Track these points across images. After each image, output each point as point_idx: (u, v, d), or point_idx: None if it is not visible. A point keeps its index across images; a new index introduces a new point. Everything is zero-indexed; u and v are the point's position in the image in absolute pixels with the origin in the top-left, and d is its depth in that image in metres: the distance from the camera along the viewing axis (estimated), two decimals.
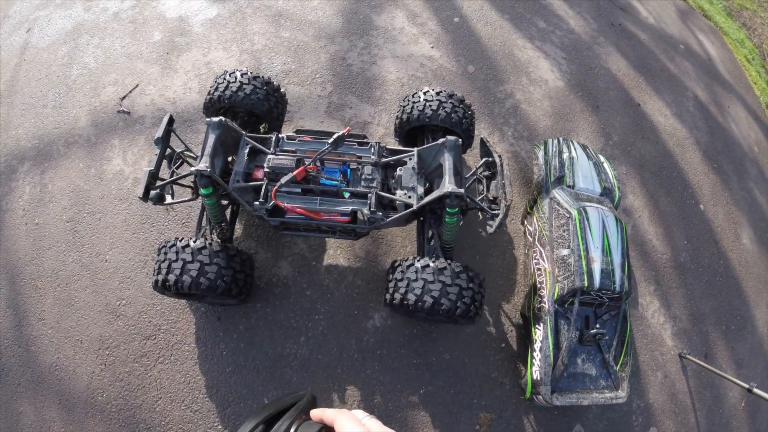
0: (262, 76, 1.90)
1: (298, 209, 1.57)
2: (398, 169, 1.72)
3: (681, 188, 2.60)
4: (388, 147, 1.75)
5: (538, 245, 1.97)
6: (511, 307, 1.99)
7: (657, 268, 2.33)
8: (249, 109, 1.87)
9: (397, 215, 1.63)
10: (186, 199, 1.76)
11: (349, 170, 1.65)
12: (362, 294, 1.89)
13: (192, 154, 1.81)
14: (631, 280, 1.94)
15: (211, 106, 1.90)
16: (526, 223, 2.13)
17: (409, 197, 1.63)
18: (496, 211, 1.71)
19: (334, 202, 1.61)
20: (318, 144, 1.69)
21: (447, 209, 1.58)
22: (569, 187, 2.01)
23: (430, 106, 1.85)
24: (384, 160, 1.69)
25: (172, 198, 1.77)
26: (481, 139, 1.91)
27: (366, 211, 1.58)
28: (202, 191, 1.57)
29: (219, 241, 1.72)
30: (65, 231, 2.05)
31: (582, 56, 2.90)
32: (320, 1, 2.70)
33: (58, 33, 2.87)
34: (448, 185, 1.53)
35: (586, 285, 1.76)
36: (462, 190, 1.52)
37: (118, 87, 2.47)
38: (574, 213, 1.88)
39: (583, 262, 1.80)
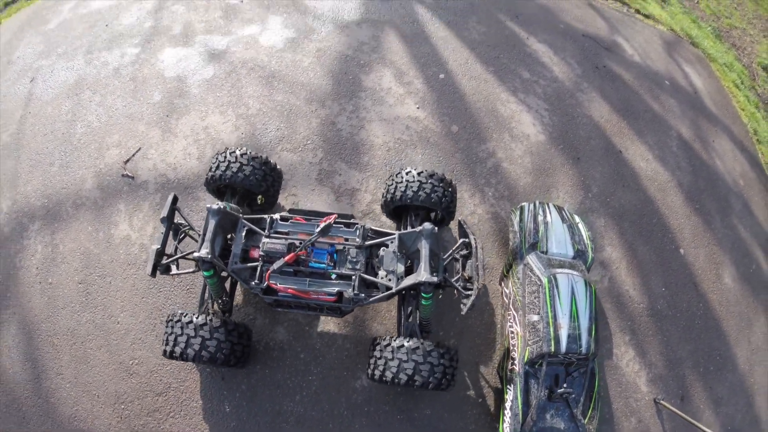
0: (261, 157, 2.22)
1: (289, 290, 1.91)
2: (381, 249, 2.05)
3: (661, 234, 2.90)
4: (372, 228, 2.09)
5: (512, 309, 2.28)
6: (488, 367, 2.31)
7: (633, 317, 2.63)
8: (247, 188, 2.21)
9: (378, 296, 1.98)
10: (189, 270, 2.09)
11: (335, 252, 1.98)
12: (351, 356, 2.24)
13: (195, 232, 2.12)
14: (598, 341, 2.25)
15: (213, 183, 2.24)
16: (503, 284, 2.44)
17: (389, 279, 1.98)
18: (469, 292, 2.04)
19: (322, 283, 1.96)
20: (309, 226, 2.04)
21: (422, 294, 1.93)
22: (543, 252, 2.32)
23: (411, 187, 2.18)
24: (368, 243, 2.01)
25: (177, 269, 2.09)
26: (459, 222, 2.26)
27: (350, 292, 1.92)
28: (204, 273, 1.90)
29: (220, 311, 2.05)
30: (78, 292, 2.41)
31: (565, 105, 3.19)
32: (311, 61, 3.01)
33: (61, 86, 3.19)
34: (423, 273, 1.88)
35: (553, 350, 2.08)
36: (435, 279, 1.86)
37: (121, 149, 2.78)
38: (545, 281, 2.19)
39: (551, 329, 2.12)
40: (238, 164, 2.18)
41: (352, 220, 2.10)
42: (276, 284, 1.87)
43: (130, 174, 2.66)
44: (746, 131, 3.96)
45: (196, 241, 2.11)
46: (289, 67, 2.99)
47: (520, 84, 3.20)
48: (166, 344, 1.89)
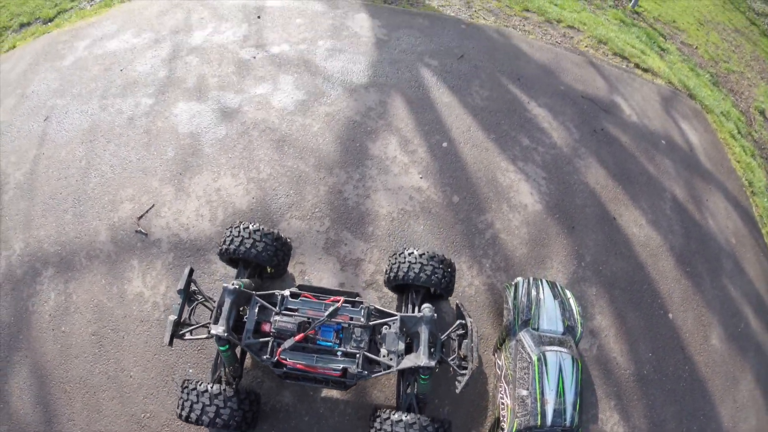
0: (272, 233, 2.39)
1: (298, 365, 2.09)
2: (384, 327, 2.22)
3: (650, 300, 3.09)
4: (376, 308, 2.26)
5: (504, 382, 2.47)
6: None
7: (619, 383, 2.82)
8: (259, 263, 2.39)
9: (379, 373, 2.16)
10: (203, 336, 2.25)
11: (341, 330, 2.15)
12: (352, 421, 2.40)
13: (210, 303, 2.27)
14: (582, 412, 2.45)
15: (226, 255, 2.41)
16: (496, 356, 2.62)
17: (391, 359, 2.17)
18: (464, 371, 2.22)
19: (329, 359, 2.15)
20: (317, 304, 2.23)
21: (420, 375, 2.10)
22: (534, 329, 2.53)
23: (413, 268, 2.38)
24: (372, 323, 2.18)
25: (191, 335, 2.25)
26: (457, 304, 2.45)
27: (355, 369, 2.11)
28: (219, 348, 2.08)
29: (232, 377, 2.22)
30: (91, 343, 2.55)
31: (562, 173, 3.37)
32: (321, 126, 3.17)
33: (76, 130, 3.33)
34: (422, 358, 2.09)
35: (539, 424, 2.29)
36: (433, 364, 2.07)
37: (134, 204, 2.92)
38: (535, 358, 2.40)
39: (538, 404, 2.33)
40: (251, 240, 2.35)
41: (357, 299, 2.28)
42: (286, 359, 2.08)
43: (143, 231, 2.80)
44: (740, 185, 4.18)
45: (210, 309, 2.29)
46: (299, 131, 3.15)
47: (520, 152, 3.39)
48: (182, 409, 2.07)
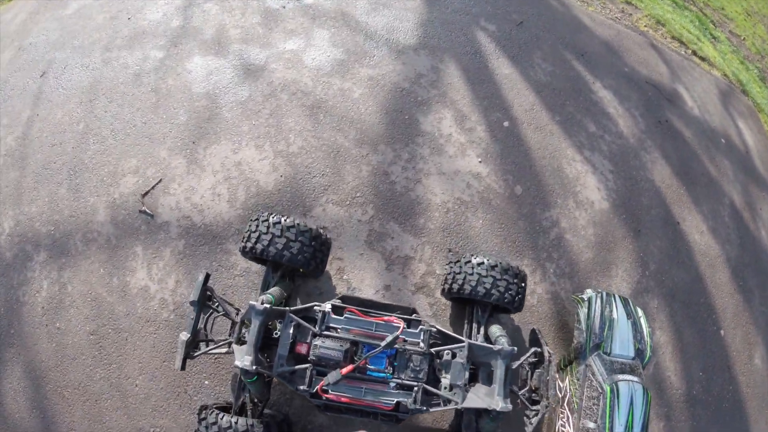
0: (311, 230, 1.51)
1: (343, 398, 1.33)
2: (446, 353, 1.43)
3: (706, 315, 2.33)
4: (438, 329, 1.44)
5: (567, 409, 1.76)
6: None
7: (670, 404, 2.14)
8: (293, 266, 1.52)
9: (439, 408, 1.39)
10: (222, 351, 1.46)
11: (395, 355, 1.37)
12: None
13: (231, 315, 1.48)
14: None
15: (251, 256, 1.53)
16: (558, 376, 1.89)
17: (454, 392, 1.37)
18: (536, 407, 1.47)
19: (379, 391, 1.35)
20: (366, 323, 1.40)
21: (489, 419, 1.37)
22: (606, 353, 1.79)
23: (483, 283, 1.53)
24: (433, 349, 1.41)
25: (208, 345, 1.47)
26: (533, 330, 1.63)
27: (411, 403, 1.34)
28: (246, 381, 1.31)
29: (259, 401, 1.47)
30: (89, 344, 1.74)
31: (629, 167, 2.46)
32: (363, 92, 2.17)
33: (74, 88, 2.33)
34: (498, 401, 1.30)
35: None
36: (510, 407, 1.30)
37: (138, 178, 2.02)
38: (607, 389, 1.68)
39: None
40: (283, 239, 1.47)
41: (414, 316, 1.45)
42: (328, 392, 1.33)
43: (148, 211, 1.89)
44: None
45: (231, 320, 1.47)
46: (337, 96, 2.13)
47: (586, 139, 2.45)
48: None
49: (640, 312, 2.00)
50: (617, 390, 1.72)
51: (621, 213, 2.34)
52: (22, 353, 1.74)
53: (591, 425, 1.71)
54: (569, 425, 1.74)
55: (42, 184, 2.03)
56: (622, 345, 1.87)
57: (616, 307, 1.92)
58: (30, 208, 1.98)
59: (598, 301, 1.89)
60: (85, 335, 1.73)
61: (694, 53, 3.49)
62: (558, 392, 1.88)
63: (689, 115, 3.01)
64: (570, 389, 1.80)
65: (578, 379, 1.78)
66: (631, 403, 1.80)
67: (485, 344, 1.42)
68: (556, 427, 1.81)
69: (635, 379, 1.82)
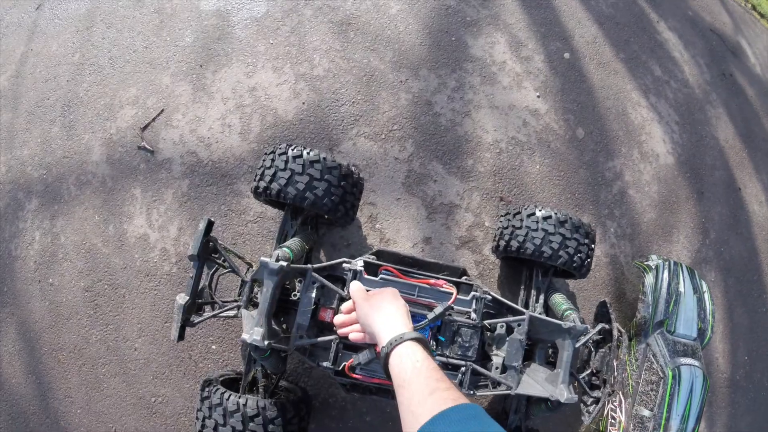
0: (341, 167, 0.88)
1: (375, 380, 0.75)
2: (500, 326, 0.83)
3: (757, 294, 1.68)
4: (493, 297, 0.83)
5: (620, 392, 1.22)
6: None
7: (714, 389, 1.54)
8: (317, 212, 0.90)
9: (489, 393, 0.80)
10: (230, 314, 0.88)
11: (440, 327, 0.78)
12: None
13: (242, 267, 0.88)
14: None
15: (265, 197, 0.91)
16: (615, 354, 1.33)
17: (507, 375, 0.79)
18: (596, 393, 0.91)
19: None
20: (406, 285, 0.79)
21: (547, 406, 0.81)
22: (669, 332, 1.20)
23: (549, 242, 0.92)
24: (486, 322, 0.80)
25: (213, 309, 0.90)
26: (603, 303, 1.02)
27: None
28: (256, 357, 0.75)
29: (273, 377, 0.92)
30: (84, 302, 1.18)
31: (694, 120, 1.70)
32: (402, 8, 1.37)
33: (71, 17, 1.57)
34: (561, 388, 0.75)
35: None
36: (575, 398, 0.75)
37: (138, 109, 1.37)
38: (669, 375, 1.09)
39: (661, 431, 1.12)
40: (306, 178, 0.85)
41: (464, 279, 0.85)
42: (358, 375, 0.78)
43: (148, 146, 1.24)
44: None
45: (241, 277, 0.87)
46: (370, 12, 1.34)
47: (652, 82, 1.68)
48: (203, 428, 0.81)
49: (705, 286, 1.31)
50: (679, 375, 1.12)
51: (685, 171, 1.62)
52: (15, 313, 1.21)
53: (646, 413, 1.15)
54: (621, 411, 1.19)
55: (34, 124, 1.39)
56: (687, 324, 1.23)
57: (683, 280, 1.25)
58: (22, 151, 1.35)
59: (666, 270, 1.23)
60: (80, 292, 1.18)
61: (754, 8, 2.52)
62: (615, 374, 1.34)
63: (752, 72, 2.14)
64: (626, 369, 1.25)
65: (636, 360, 1.19)
66: (691, 391, 1.20)
67: (551, 319, 0.83)
68: (606, 412, 1.29)
69: (697, 363, 1.18)
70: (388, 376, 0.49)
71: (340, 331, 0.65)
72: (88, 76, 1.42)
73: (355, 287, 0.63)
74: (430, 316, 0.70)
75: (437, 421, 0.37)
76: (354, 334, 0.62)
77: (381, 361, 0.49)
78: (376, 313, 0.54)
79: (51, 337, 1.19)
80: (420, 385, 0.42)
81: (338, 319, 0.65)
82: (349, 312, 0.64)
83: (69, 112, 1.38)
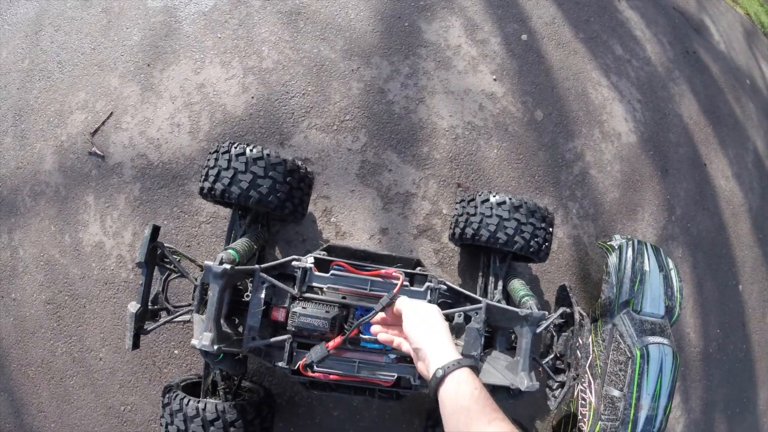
0: (286, 162, 0.83)
1: (332, 377, 0.72)
2: (457, 315, 0.81)
3: (726, 267, 1.66)
4: (449, 287, 0.79)
5: (588, 373, 1.19)
6: (544, 422, 1.27)
7: (687, 363, 1.53)
8: (264, 210, 0.86)
9: None
10: (186, 319, 0.83)
11: None
12: (394, 416, 1.10)
13: (193, 271, 0.83)
14: (669, 418, 1.26)
15: (212, 198, 0.86)
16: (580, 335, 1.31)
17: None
18: (561, 377, 0.88)
19: (376, 364, 0.74)
20: (359, 280, 0.75)
21: (508, 394, 0.77)
22: (635, 311, 1.17)
23: (504, 228, 0.88)
24: (443, 312, 0.79)
25: (168, 314, 0.85)
26: (563, 287, 0.99)
27: (415, 379, 0.74)
28: (209, 362, 0.71)
29: (233, 379, 0.89)
30: (47, 315, 1.13)
31: (657, 98, 1.66)
32: None
33: (20, 22, 1.47)
34: (521, 376, 0.73)
35: None
36: (537, 385, 0.73)
37: (88, 114, 1.29)
38: (637, 354, 1.06)
39: (632, 411, 1.08)
40: (248, 175, 0.80)
41: (419, 270, 0.81)
42: (313, 374, 0.75)
43: (99, 152, 1.17)
44: None
45: (187, 278, 0.82)
46: (321, 0, 1.37)
47: (613, 61, 1.62)
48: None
49: (671, 264, 1.29)
50: (647, 354, 1.10)
51: (649, 149, 1.59)
52: None
53: (616, 393, 1.12)
54: (591, 392, 1.17)
55: None
56: (653, 302, 1.20)
57: (648, 258, 1.22)
58: None
59: (629, 249, 1.20)
60: (42, 305, 1.13)
61: None
62: (577, 354, 1.32)
63: (716, 50, 2.09)
64: (594, 350, 1.23)
65: (603, 341, 1.16)
66: (661, 369, 1.17)
67: (508, 307, 0.79)
68: (576, 393, 1.27)
69: (665, 341, 1.16)
70: (436, 399, 0.49)
71: (383, 338, 0.64)
72: (38, 82, 1.34)
73: (405, 300, 0.62)
74: (377, 307, 0.66)
75: None
76: (405, 346, 0.59)
77: (431, 383, 0.50)
78: (426, 330, 0.55)
79: (18, 352, 1.15)
80: (478, 413, 0.44)
81: (382, 337, 0.63)
82: (384, 323, 0.64)
83: (20, 120, 1.31)
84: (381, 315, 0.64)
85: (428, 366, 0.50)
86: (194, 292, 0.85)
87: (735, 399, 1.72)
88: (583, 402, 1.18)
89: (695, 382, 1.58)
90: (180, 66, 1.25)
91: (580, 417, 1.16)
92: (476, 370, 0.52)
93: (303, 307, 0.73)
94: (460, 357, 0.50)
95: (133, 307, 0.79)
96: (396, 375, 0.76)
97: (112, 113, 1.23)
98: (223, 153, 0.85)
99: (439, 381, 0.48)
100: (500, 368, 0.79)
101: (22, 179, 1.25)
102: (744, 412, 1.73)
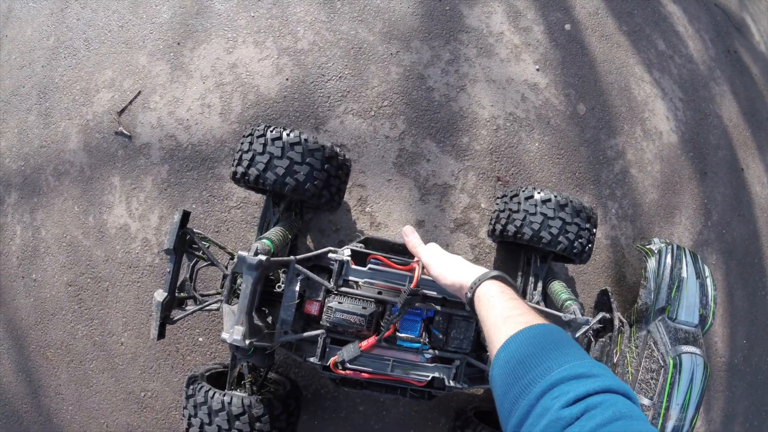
0: (324, 148, 0.75)
1: (363, 375, 0.65)
2: None
3: (758, 277, 1.55)
4: None
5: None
6: None
7: (712, 373, 1.44)
8: (300, 198, 0.78)
9: (483, 387, 0.73)
10: (212, 307, 0.75)
11: (432, 317, 0.68)
12: (421, 413, 1.03)
13: (223, 259, 0.76)
14: (694, 428, 1.19)
15: (245, 184, 0.78)
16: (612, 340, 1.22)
17: None
18: None
19: (410, 363, 0.68)
20: (397, 276, 0.68)
21: None
22: (671, 319, 1.09)
23: (549, 227, 0.79)
24: None
25: (195, 303, 0.77)
26: (604, 291, 0.91)
27: (452, 381, 0.68)
28: (239, 356, 0.63)
29: (260, 372, 0.81)
30: (68, 297, 1.07)
31: (698, 98, 1.54)
32: None
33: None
34: None
35: None
36: None
37: (114, 92, 1.20)
38: (670, 363, 0.99)
39: (660, 420, 1.00)
40: (285, 162, 0.71)
41: None
42: (346, 372, 0.69)
43: (126, 131, 1.09)
44: None
45: (217, 267, 0.75)
46: None
47: (656, 57, 1.50)
48: (189, 426, 0.73)
49: (707, 271, 1.19)
50: (680, 364, 1.03)
51: (689, 150, 1.47)
52: (2, 311, 1.10)
53: (645, 401, 1.05)
54: None
55: (11, 113, 1.23)
56: (689, 310, 1.11)
57: (686, 265, 1.13)
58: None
59: (668, 254, 1.11)
60: (63, 287, 1.07)
61: None
62: (613, 361, 1.24)
63: (756, 51, 1.94)
64: (626, 356, 1.16)
65: (636, 347, 1.09)
66: (692, 380, 1.09)
67: (551, 311, 0.73)
68: None
69: (698, 351, 1.08)
70: (473, 311, 0.51)
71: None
72: (64, 60, 1.27)
73: (426, 252, 0.62)
74: (398, 304, 0.61)
75: (510, 341, 0.41)
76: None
77: (467, 297, 0.52)
78: (451, 266, 0.57)
79: (38, 334, 1.09)
80: (501, 308, 0.46)
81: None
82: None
83: (45, 99, 1.23)
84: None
85: (463, 288, 0.53)
86: (223, 280, 0.79)
87: (754, 412, 1.63)
88: None
89: (718, 393, 1.49)
90: (211, 45, 1.16)
91: None
92: (504, 279, 0.52)
93: (339, 302, 0.66)
94: (486, 270, 0.53)
95: (160, 295, 0.72)
96: (430, 375, 0.69)
97: (140, 92, 1.16)
98: (258, 137, 0.76)
99: (473, 292, 0.50)
100: None
101: (45, 158, 1.18)
102: (761, 425, 1.64)
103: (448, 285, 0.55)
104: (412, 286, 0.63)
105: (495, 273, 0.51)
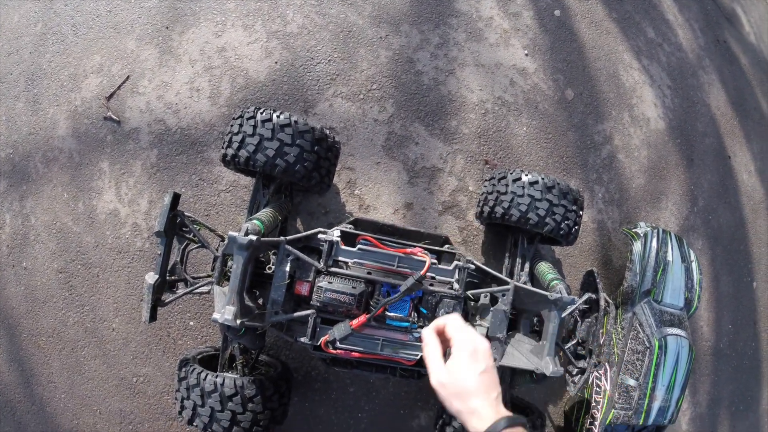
0: (314, 130, 0.74)
1: (353, 354, 0.66)
2: (484, 296, 0.73)
3: (743, 263, 1.56)
4: (477, 266, 0.72)
5: (605, 360, 1.15)
6: (556, 406, 1.21)
7: (698, 356, 1.42)
8: (289, 180, 0.77)
9: None
10: (204, 290, 0.75)
11: (421, 298, 0.68)
12: (410, 393, 1.04)
13: (213, 241, 0.76)
14: (680, 410, 1.21)
15: (235, 166, 0.78)
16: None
17: (494, 348, 0.70)
18: (582, 363, 0.80)
19: (399, 342, 0.68)
20: (386, 256, 0.68)
21: (530, 378, 0.72)
22: (656, 302, 1.10)
23: (536, 209, 0.79)
24: (470, 292, 0.70)
25: (186, 286, 0.77)
26: (590, 272, 0.91)
27: None
28: (230, 336, 0.66)
29: (251, 353, 0.82)
30: (59, 284, 1.07)
31: (686, 85, 1.54)
32: None
33: None
34: (547, 361, 0.66)
35: (641, 423, 1.02)
36: (561, 371, 0.66)
37: (103, 77, 1.18)
38: (656, 344, 1.02)
39: (646, 401, 1.03)
40: (275, 143, 0.70)
41: (447, 248, 0.75)
42: (336, 351, 0.69)
43: (114, 116, 1.08)
44: None
45: (213, 252, 0.75)
46: None
47: (645, 44, 1.49)
48: (182, 409, 0.72)
49: (693, 255, 1.22)
50: (665, 345, 1.06)
51: (676, 136, 1.48)
52: None
53: (631, 382, 1.05)
54: (606, 380, 1.11)
55: None
56: (674, 293, 1.14)
57: (672, 248, 1.15)
58: None
59: (654, 238, 1.12)
60: (54, 274, 1.06)
61: None
62: (599, 341, 1.25)
63: (746, 41, 1.94)
64: (612, 338, 1.17)
65: (622, 329, 1.09)
66: (677, 361, 1.10)
67: (538, 290, 0.73)
68: (591, 380, 1.21)
69: (683, 333, 1.12)
70: None
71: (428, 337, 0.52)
72: (51, 46, 1.24)
73: (455, 326, 0.49)
74: (402, 288, 0.60)
75: None
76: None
77: None
78: (473, 376, 0.46)
79: (29, 322, 1.08)
80: None
81: (437, 380, 0.49)
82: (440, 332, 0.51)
83: (33, 85, 1.21)
84: (436, 323, 0.52)
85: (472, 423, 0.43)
86: (214, 262, 0.79)
87: (740, 396, 1.66)
88: (597, 389, 1.13)
89: (704, 377, 1.52)
90: (200, 29, 1.14)
91: (593, 404, 1.11)
92: (525, 426, 0.43)
93: (329, 282, 0.66)
94: (511, 414, 0.43)
95: (151, 278, 0.71)
96: (419, 354, 0.69)
97: (128, 77, 1.14)
98: (248, 119, 0.76)
99: None
100: (524, 351, 0.72)
101: (34, 145, 1.16)
102: (747, 410, 1.68)
103: (452, 411, 0.46)
104: (422, 273, 0.62)
105: (522, 420, 0.43)
